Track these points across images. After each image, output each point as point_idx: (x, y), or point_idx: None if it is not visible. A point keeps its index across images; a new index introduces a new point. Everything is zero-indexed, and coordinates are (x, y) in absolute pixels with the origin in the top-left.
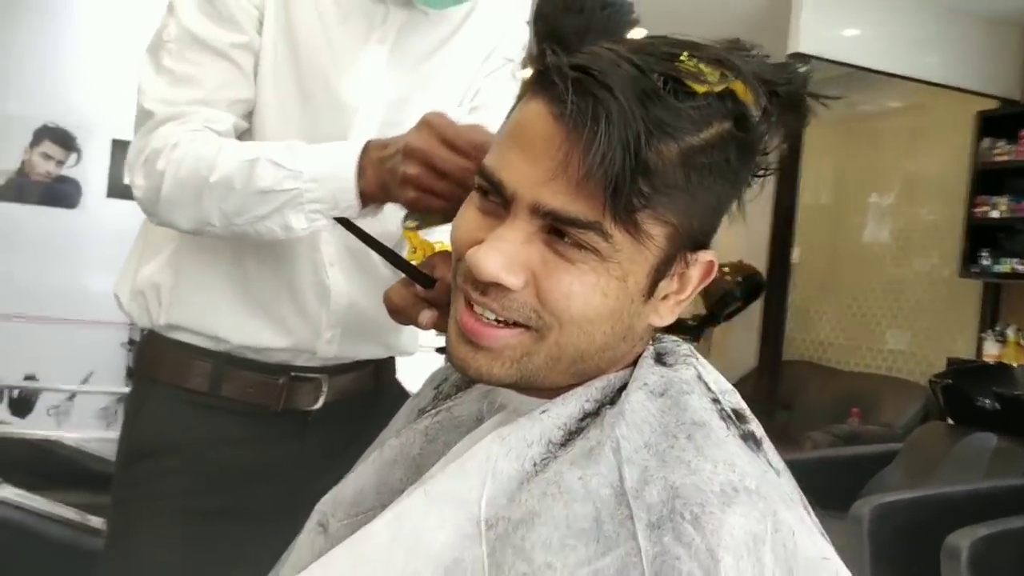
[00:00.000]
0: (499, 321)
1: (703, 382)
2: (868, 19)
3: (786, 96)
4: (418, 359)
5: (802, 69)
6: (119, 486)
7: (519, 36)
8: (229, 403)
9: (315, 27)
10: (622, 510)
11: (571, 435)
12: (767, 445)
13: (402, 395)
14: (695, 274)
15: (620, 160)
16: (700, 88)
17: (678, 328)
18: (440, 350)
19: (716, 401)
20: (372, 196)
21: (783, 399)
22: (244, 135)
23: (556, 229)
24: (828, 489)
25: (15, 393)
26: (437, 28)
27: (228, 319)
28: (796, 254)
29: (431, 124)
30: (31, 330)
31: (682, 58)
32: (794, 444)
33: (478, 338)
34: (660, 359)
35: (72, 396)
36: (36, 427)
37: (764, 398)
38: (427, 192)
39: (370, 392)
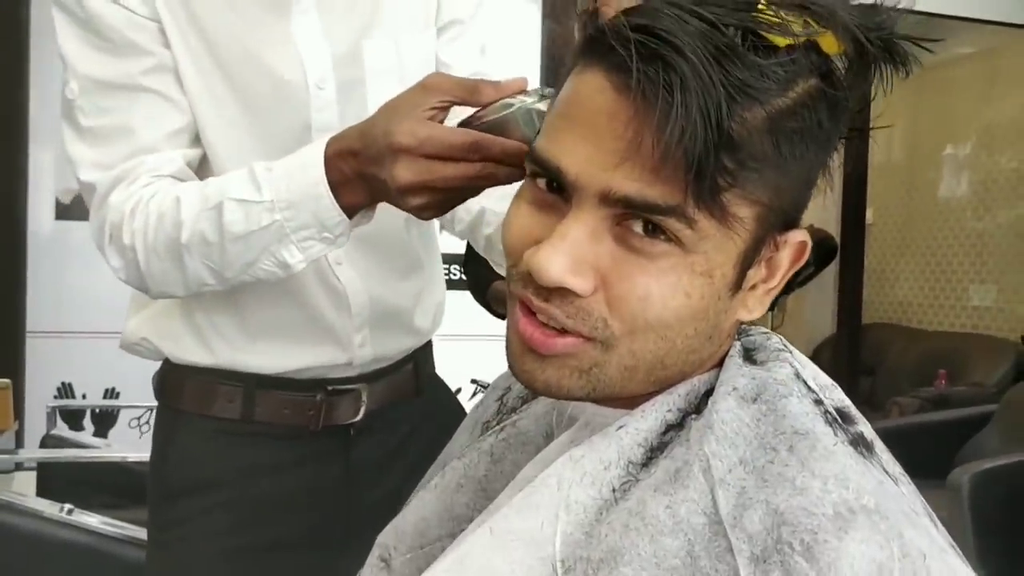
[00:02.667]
0: (564, 329)
1: (802, 380)
2: None
3: (880, 43)
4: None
5: (895, 10)
6: (157, 528)
7: None
8: (264, 428)
9: (226, 15)
10: (719, 541)
11: (653, 452)
12: (879, 447)
13: (443, 391)
14: (785, 257)
15: (702, 133)
16: (783, 41)
17: None
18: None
19: (819, 403)
20: (359, 206)
21: (865, 365)
22: (201, 162)
23: (627, 220)
24: (920, 457)
25: (97, 409)
26: None
27: (237, 353)
28: (870, 214)
29: (404, 147)
30: (112, 345)
31: (760, 6)
32: (880, 411)
33: (542, 347)
34: (749, 356)
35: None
36: (121, 439)
37: (846, 365)
38: (433, 191)
39: (411, 393)
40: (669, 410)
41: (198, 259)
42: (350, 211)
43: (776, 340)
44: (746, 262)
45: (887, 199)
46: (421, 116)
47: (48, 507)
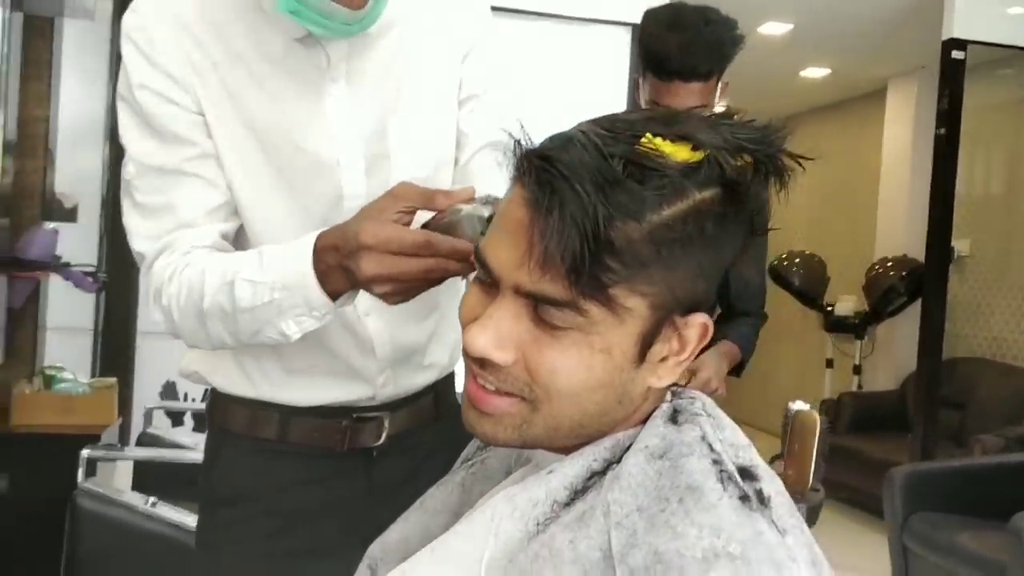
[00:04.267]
0: (498, 390)
1: (706, 442)
2: None
3: (764, 159)
4: None
5: (781, 131)
6: (203, 531)
7: (479, 14)
8: (296, 447)
9: (261, 99)
10: (609, 573)
11: (576, 495)
12: (778, 502)
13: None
14: (692, 335)
15: (577, 243)
16: (659, 168)
17: (841, 327)
18: None
19: (717, 462)
20: (341, 291)
21: (953, 398)
22: (239, 232)
23: (539, 306)
24: (991, 497)
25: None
26: (383, 40)
27: (276, 388)
28: (965, 246)
29: (369, 245)
30: None
31: (643, 140)
32: (962, 448)
33: (480, 404)
34: (674, 417)
35: None
36: None
37: (926, 397)
38: (396, 282)
39: (431, 419)
40: (595, 460)
41: (218, 324)
42: (335, 295)
43: (699, 404)
44: (646, 341)
45: (984, 231)
46: (386, 219)
47: (136, 499)
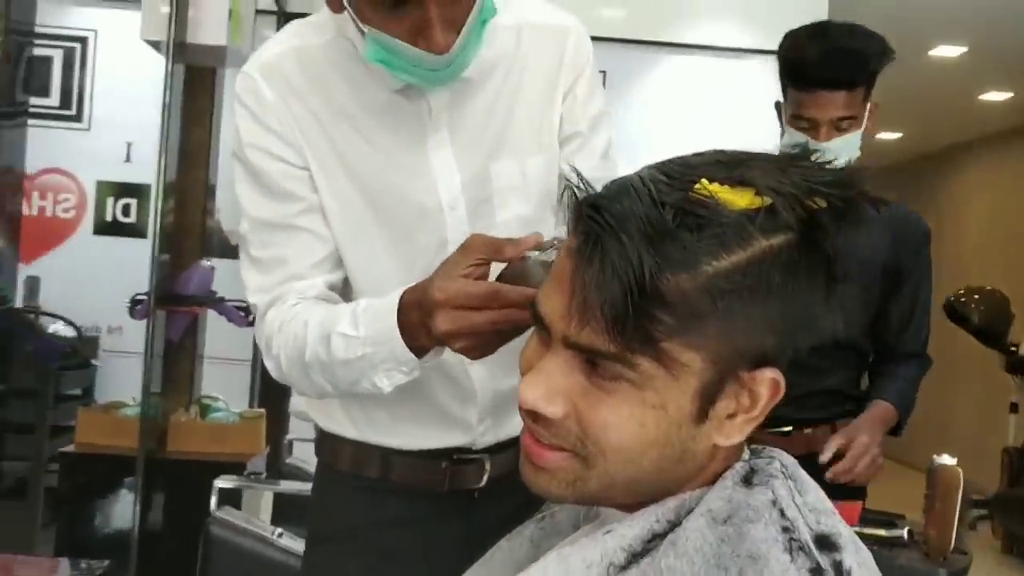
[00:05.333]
0: (551, 445)
1: (778, 508)
2: None
3: (841, 203)
4: None
5: (858, 172)
6: (306, 566)
7: (579, 51)
8: (398, 486)
9: (364, 151)
10: None
11: (635, 557)
12: (860, 573)
13: None
14: (763, 392)
15: (618, 294)
16: (714, 217)
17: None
18: None
19: (787, 530)
20: (427, 347)
21: None
22: (345, 282)
23: (592, 360)
24: None
25: None
26: (484, 86)
27: (378, 433)
28: None
29: (439, 301)
30: None
31: (696, 187)
32: None
33: (534, 458)
34: (747, 478)
35: None
36: None
37: None
38: (470, 336)
39: None
40: (657, 520)
41: (318, 374)
42: (422, 350)
43: (776, 465)
44: (706, 397)
45: None
46: (456, 274)
47: (264, 529)
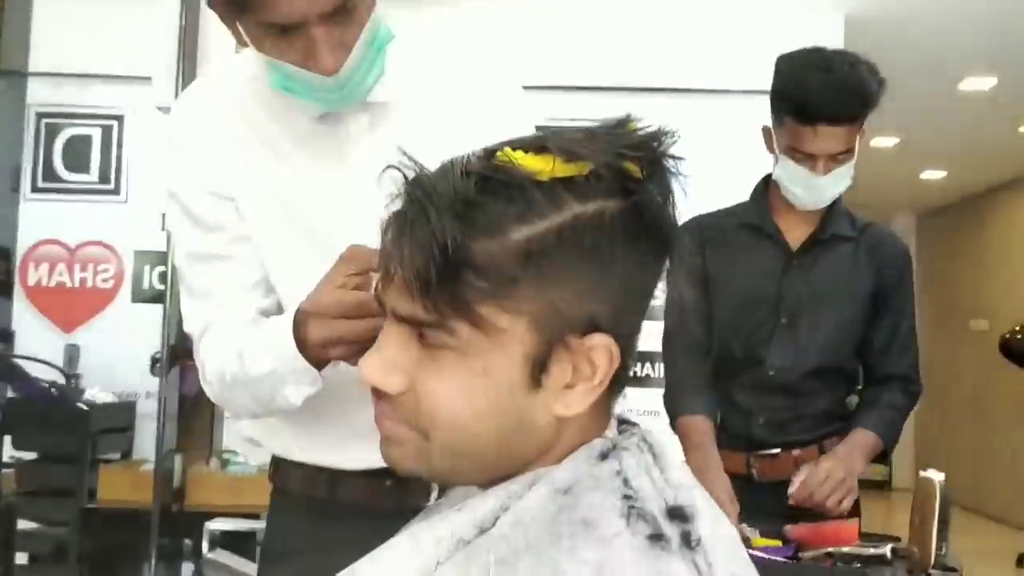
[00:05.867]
0: (396, 419)
1: (621, 477)
2: None
3: (649, 166)
4: None
5: (666, 134)
6: None
7: (499, 78)
8: (347, 506)
9: (289, 175)
10: None
11: (483, 533)
12: (714, 545)
13: None
14: (600, 359)
15: (423, 264)
16: (516, 183)
17: None
18: None
19: (628, 498)
20: (321, 358)
21: None
22: (279, 307)
23: (421, 331)
24: None
25: None
26: (403, 110)
27: (321, 452)
28: None
29: (311, 311)
30: None
31: (498, 155)
32: None
33: (382, 431)
34: (604, 454)
35: None
36: None
37: None
38: (346, 344)
39: None
40: (509, 496)
41: (241, 393)
42: (318, 363)
43: (634, 440)
44: (536, 364)
45: None
46: (333, 284)
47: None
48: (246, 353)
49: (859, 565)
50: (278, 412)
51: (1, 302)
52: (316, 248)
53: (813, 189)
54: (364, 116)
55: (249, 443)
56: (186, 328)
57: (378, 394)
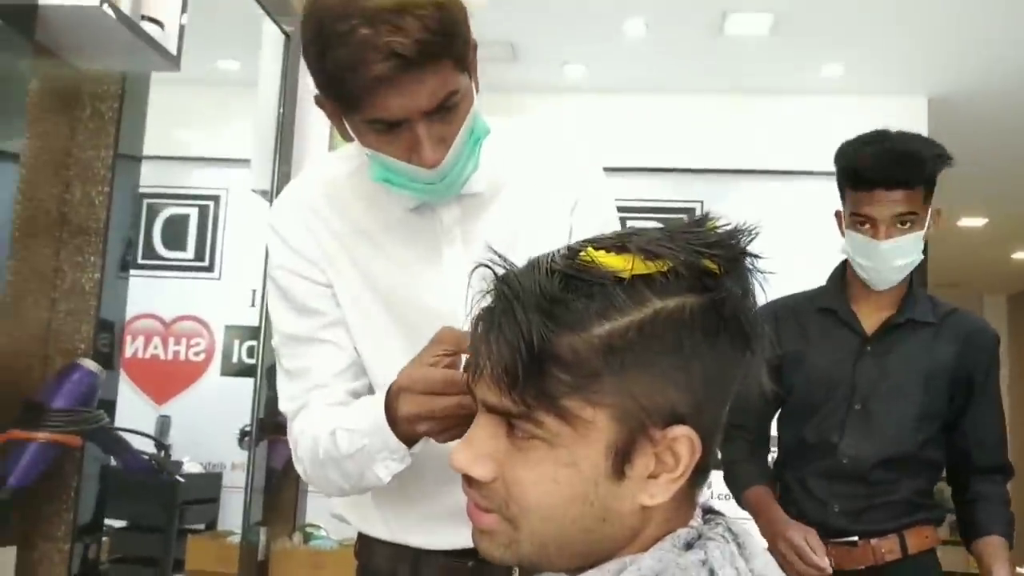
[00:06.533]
0: (486, 508)
1: (707, 567)
2: None
3: (727, 264)
4: None
5: (745, 233)
6: None
7: (584, 168)
8: None
9: (384, 265)
10: None
11: None
12: None
13: None
14: (683, 450)
15: (510, 359)
16: (598, 281)
17: None
18: None
19: None
20: (412, 435)
21: None
22: (369, 389)
23: (510, 422)
24: None
25: None
26: (494, 202)
27: (407, 533)
28: None
29: (403, 387)
30: None
31: (581, 255)
32: None
33: (473, 521)
34: (689, 543)
35: None
36: None
37: None
38: (434, 420)
39: None
40: None
41: (332, 471)
42: (409, 440)
43: (720, 529)
44: (620, 455)
45: None
46: (424, 363)
47: None
48: (339, 431)
49: None
50: (367, 490)
51: (106, 375)
52: (407, 333)
53: (876, 257)
54: (457, 207)
55: (337, 519)
56: (281, 407)
57: (469, 482)
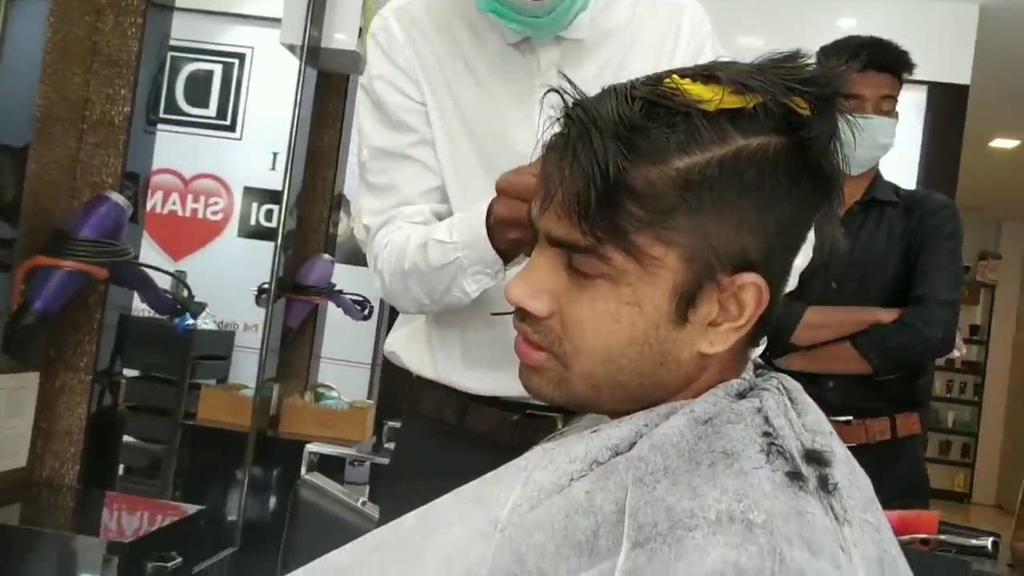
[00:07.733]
0: (537, 344)
1: (762, 415)
2: None
3: (817, 101)
4: None
5: (839, 72)
6: (383, 499)
7: (696, 27)
8: (472, 435)
9: (476, 95)
10: (619, 528)
11: (618, 456)
12: (851, 495)
13: None
14: (749, 299)
15: (584, 188)
16: (683, 110)
17: None
18: None
19: (768, 435)
20: (510, 252)
21: None
22: (447, 214)
23: (573, 256)
24: None
25: None
26: (596, 51)
27: (456, 374)
28: None
29: (501, 189)
30: None
31: (666, 81)
32: None
33: (523, 357)
34: (741, 393)
35: None
36: None
37: None
38: (524, 228)
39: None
40: (646, 424)
41: (415, 283)
42: (502, 250)
43: (774, 383)
44: (684, 298)
45: None
46: (527, 170)
47: (348, 496)
48: (431, 242)
49: (957, 554)
50: (447, 307)
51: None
52: (487, 167)
53: (864, 133)
54: (556, 50)
55: (388, 356)
56: (364, 220)
57: (522, 316)
